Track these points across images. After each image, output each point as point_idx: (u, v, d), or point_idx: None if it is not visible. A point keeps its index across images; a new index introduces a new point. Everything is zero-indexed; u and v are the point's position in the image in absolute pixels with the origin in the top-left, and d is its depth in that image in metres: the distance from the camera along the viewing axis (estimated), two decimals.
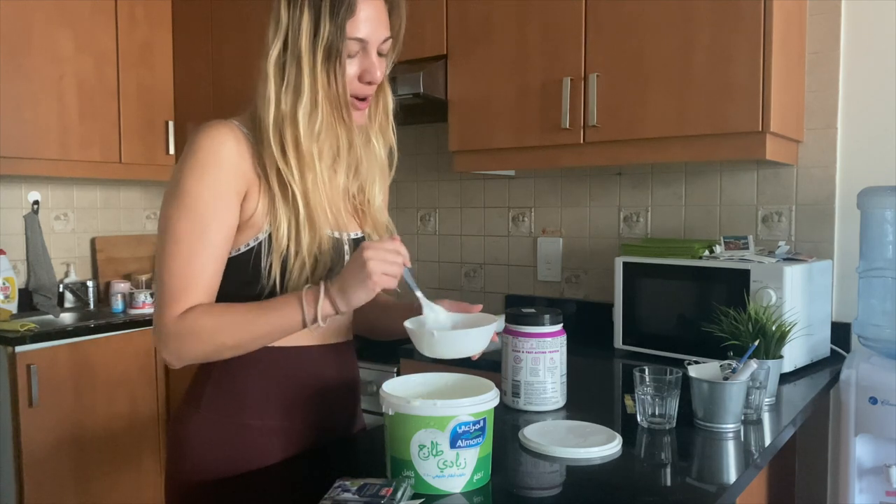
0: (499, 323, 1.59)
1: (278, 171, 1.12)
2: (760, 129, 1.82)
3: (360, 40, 1.13)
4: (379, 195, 1.29)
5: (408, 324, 1.13)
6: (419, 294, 1.14)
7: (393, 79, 2.27)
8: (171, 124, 3.15)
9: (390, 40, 1.19)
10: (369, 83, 1.16)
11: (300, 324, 1.08)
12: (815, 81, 2.09)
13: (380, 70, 1.17)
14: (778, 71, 1.83)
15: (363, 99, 1.19)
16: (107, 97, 2.93)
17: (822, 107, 2.08)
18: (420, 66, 2.34)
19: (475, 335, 1.11)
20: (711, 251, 2.03)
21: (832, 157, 2.08)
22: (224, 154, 1.10)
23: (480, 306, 1.22)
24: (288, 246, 1.12)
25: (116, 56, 2.96)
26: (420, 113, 2.60)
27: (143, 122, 3.06)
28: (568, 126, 2.10)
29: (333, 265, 1.16)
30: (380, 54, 1.18)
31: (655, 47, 1.96)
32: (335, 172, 1.21)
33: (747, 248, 1.97)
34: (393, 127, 1.28)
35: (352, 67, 1.15)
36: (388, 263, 1.05)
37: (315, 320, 1.07)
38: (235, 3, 2.93)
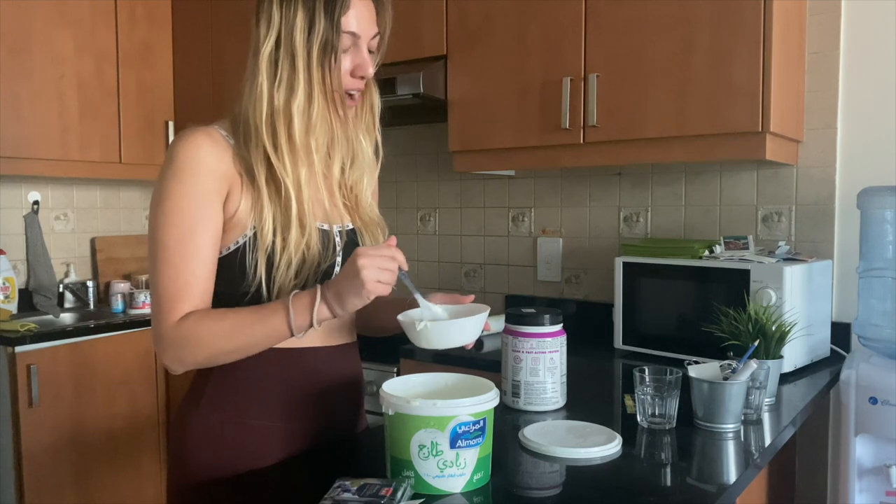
0: (498, 322, 1.59)
1: (269, 166, 1.14)
2: (760, 129, 1.82)
3: (353, 34, 1.16)
4: (367, 192, 1.31)
5: (400, 317, 1.14)
6: (417, 295, 1.15)
7: (393, 79, 2.30)
8: (171, 124, 3.15)
9: (378, 37, 1.22)
10: (361, 77, 1.20)
11: (288, 332, 1.08)
12: (815, 81, 2.09)
13: (371, 66, 1.20)
14: (778, 71, 1.83)
15: (354, 93, 1.21)
16: (107, 97, 2.93)
17: (822, 107, 2.08)
18: (420, 66, 2.33)
19: (464, 324, 1.12)
20: (711, 251, 2.03)
21: (832, 157, 2.08)
22: (200, 158, 1.11)
23: (472, 297, 1.22)
24: (274, 241, 1.13)
25: (116, 56, 2.96)
26: (420, 113, 2.60)
27: (143, 122, 3.06)
28: (568, 126, 2.10)
29: (321, 261, 1.17)
30: (369, 51, 1.21)
31: (655, 47, 1.96)
32: (330, 165, 1.23)
33: (747, 248, 1.97)
34: (378, 126, 1.30)
35: (344, 63, 1.17)
36: (381, 271, 1.05)
37: (310, 325, 1.08)
38: (235, 3, 2.93)
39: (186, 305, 1.10)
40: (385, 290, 1.06)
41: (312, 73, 1.13)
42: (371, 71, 1.20)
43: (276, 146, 1.13)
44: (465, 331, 1.12)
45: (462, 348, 1.15)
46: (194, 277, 1.10)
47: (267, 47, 1.14)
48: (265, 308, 1.10)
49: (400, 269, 1.08)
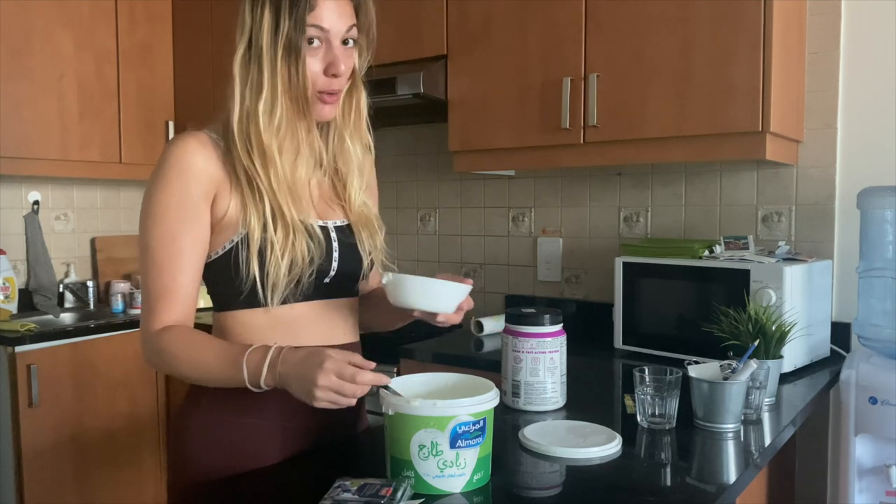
0: (497, 322, 1.58)
1: (245, 167, 1.15)
2: (760, 129, 1.82)
3: (321, 28, 1.14)
4: (358, 193, 1.29)
5: (383, 278, 1.15)
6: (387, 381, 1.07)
7: (393, 79, 2.30)
8: (171, 124, 3.15)
9: (355, 28, 1.18)
10: (334, 75, 1.16)
11: (242, 383, 1.07)
12: (815, 81, 2.09)
13: (344, 63, 1.16)
14: (778, 71, 1.83)
15: (332, 93, 1.18)
16: (107, 97, 2.93)
17: (822, 107, 2.08)
18: (420, 66, 2.33)
19: (431, 285, 1.11)
20: (711, 251, 2.03)
21: (832, 157, 2.08)
22: (188, 162, 1.13)
23: (472, 281, 1.20)
24: (263, 240, 1.13)
25: (116, 56, 2.96)
26: (420, 113, 2.60)
27: (143, 122, 3.06)
28: (568, 126, 2.10)
29: (314, 258, 1.16)
30: (346, 43, 1.18)
31: (655, 47, 1.96)
32: (298, 166, 1.20)
33: (747, 248, 1.97)
34: (368, 125, 1.29)
35: (316, 63, 1.15)
36: (337, 395, 1.00)
37: (258, 386, 1.06)
38: (235, 3, 2.92)
39: (169, 313, 1.13)
40: (334, 407, 1.02)
41: (277, 72, 1.13)
42: (343, 68, 1.16)
43: (248, 148, 1.14)
44: (432, 292, 1.11)
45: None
46: (175, 283, 1.13)
47: (240, 49, 1.15)
48: (231, 354, 1.09)
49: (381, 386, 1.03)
